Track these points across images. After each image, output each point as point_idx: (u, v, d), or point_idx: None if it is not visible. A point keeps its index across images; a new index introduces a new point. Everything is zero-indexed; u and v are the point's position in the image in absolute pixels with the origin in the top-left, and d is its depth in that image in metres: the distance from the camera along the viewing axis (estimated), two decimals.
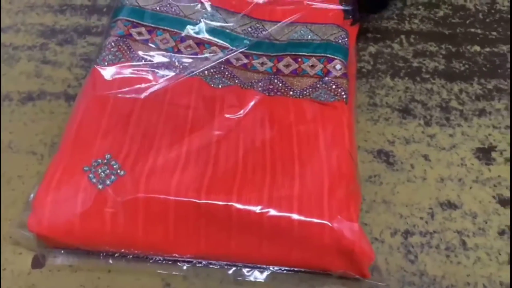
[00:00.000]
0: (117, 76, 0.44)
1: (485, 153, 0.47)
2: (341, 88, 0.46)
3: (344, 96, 0.46)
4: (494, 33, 0.58)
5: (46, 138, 0.47)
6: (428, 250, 0.41)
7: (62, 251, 0.38)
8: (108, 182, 0.37)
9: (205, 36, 0.50)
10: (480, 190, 0.45)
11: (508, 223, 0.43)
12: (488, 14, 0.60)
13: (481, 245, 0.41)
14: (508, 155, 0.47)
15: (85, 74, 0.52)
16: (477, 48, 0.57)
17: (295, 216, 0.37)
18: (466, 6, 0.61)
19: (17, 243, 0.39)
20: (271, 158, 0.40)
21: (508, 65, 0.55)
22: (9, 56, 0.53)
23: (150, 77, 0.45)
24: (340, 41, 0.50)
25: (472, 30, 0.58)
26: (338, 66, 0.48)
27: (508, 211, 0.43)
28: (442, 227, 0.42)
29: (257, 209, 0.37)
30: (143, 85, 0.43)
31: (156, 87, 0.43)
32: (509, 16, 0.60)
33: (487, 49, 0.56)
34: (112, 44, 0.46)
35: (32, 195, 0.38)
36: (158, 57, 0.46)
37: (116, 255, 0.38)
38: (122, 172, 0.37)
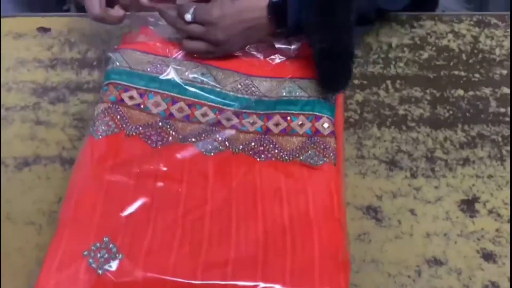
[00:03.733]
0: (111, 148, 0.45)
1: (469, 205, 0.49)
2: (330, 149, 0.47)
3: (333, 157, 0.47)
4: (477, 75, 0.60)
5: (44, 207, 0.48)
6: None
7: None
8: (107, 266, 0.38)
9: (196, 96, 0.51)
10: (464, 244, 0.47)
11: (491, 279, 0.45)
12: (471, 54, 0.62)
13: None
14: (491, 206, 0.49)
15: (79, 135, 0.53)
16: (461, 92, 0.58)
17: None
18: (450, 46, 0.62)
19: None
20: (264, 231, 0.42)
21: (491, 110, 0.57)
22: (3, 118, 0.54)
23: (143, 146, 0.46)
24: (327, 97, 0.51)
25: (456, 72, 0.60)
26: (325, 125, 0.49)
27: (491, 265, 0.46)
28: (429, 285, 0.44)
29: (252, 285, 0.39)
30: (137, 157, 0.44)
31: (148, 161, 0.44)
32: (490, 56, 0.62)
33: (470, 93, 0.58)
34: (105, 113, 0.47)
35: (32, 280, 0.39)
36: (151, 125, 0.47)
37: None
38: (120, 256, 0.39)
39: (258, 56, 0.55)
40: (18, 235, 0.46)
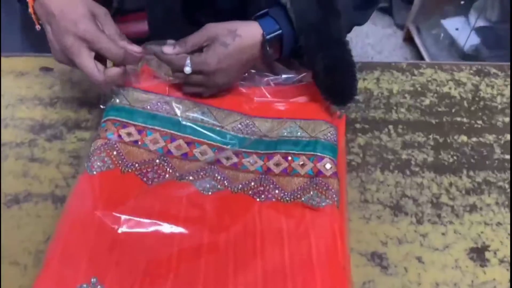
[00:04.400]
0: (105, 185, 0.43)
1: (478, 253, 0.47)
2: (332, 190, 0.46)
3: (336, 199, 0.45)
4: (480, 122, 0.59)
5: (31, 246, 0.45)
6: None
7: None
8: None
9: (196, 134, 0.50)
10: None
11: None
12: (472, 102, 0.62)
13: None
14: (502, 256, 0.47)
15: (73, 172, 0.51)
16: (464, 138, 0.57)
17: None
18: (451, 93, 0.62)
19: None
20: (263, 275, 0.39)
21: (495, 156, 0.56)
22: None
23: (139, 183, 0.44)
24: (329, 138, 0.50)
25: (458, 119, 0.60)
26: (328, 166, 0.48)
27: None
28: None
29: None
30: (131, 195, 0.43)
31: (143, 199, 0.42)
32: (492, 103, 0.62)
33: (474, 139, 0.57)
34: (102, 148, 0.46)
35: None
36: (148, 162, 0.46)
37: None
38: None
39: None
40: (1, 276, 0.43)
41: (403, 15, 1.85)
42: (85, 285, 0.37)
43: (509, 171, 0.54)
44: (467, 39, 1.52)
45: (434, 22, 1.70)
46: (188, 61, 0.48)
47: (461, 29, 1.60)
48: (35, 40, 0.74)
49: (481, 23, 1.56)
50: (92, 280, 0.37)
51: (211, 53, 0.48)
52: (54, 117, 0.57)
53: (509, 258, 0.47)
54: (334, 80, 0.50)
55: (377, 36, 1.84)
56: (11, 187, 0.50)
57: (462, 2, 1.65)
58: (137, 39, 0.50)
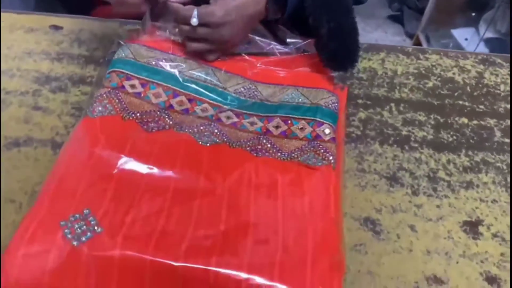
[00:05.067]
0: (105, 128, 0.44)
1: (472, 227, 0.47)
2: (329, 153, 0.46)
3: (332, 161, 0.45)
4: (482, 106, 0.59)
5: (27, 186, 0.46)
6: None
7: None
8: (83, 238, 0.36)
9: (198, 92, 0.50)
10: (467, 265, 0.44)
11: None
12: (475, 88, 0.62)
13: None
14: (495, 231, 0.47)
15: (75, 123, 0.52)
16: (465, 120, 0.57)
17: (275, 286, 0.36)
18: (455, 78, 0.63)
19: None
20: (255, 223, 0.39)
21: (495, 139, 0.56)
22: (2, 101, 0.53)
23: (138, 130, 0.44)
24: (330, 105, 0.51)
25: (460, 102, 0.60)
26: (327, 131, 0.48)
27: None
28: None
29: (237, 275, 0.35)
30: (130, 138, 0.43)
31: (142, 142, 0.42)
32: (495, 90, 0.62)
33: (475, 122, 0.57)
34: (104, 95, 0.47)
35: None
36: (149, 113, 0.46)
37: None
38: (99, 229, 0.36)
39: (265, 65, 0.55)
40: None
41: (414, 24, 1.86)
42: (77, 215, 0.37)
43: (508, 154, 0.54)
44: (476, 49, 1.53)
45: (444, 32, 1.71)
46: (195, 12, 0.48)
47: (470, 40, 1.60)
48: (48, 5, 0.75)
49: (490, 34, 1.57)
50: (84, 211, 0.37)
51: (218, 4, 0.48)
52: (60, 71, 0.58)
53: (502, 234, 0.46)
54: (337, 45, 0.50)
55: (386, 43, 1.85)
56: (12, 131, 0.50)
57: (473, 14, 1.66)
58: None
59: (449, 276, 0.43)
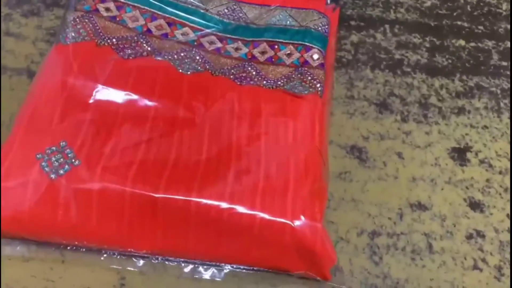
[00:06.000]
0: (79, 54, 0.41)
1: (460, 154, 0.46)
2: (317, 80, 0.44)
3: (319, 89, 0.44)
4: (481, 27, 0.56)
5: (5, 117, 0.44)
6: (393, 252, 0.40)
7: (12, 241, 0.36)
8: (61, 171, 0.35)
9: (178, 15, 0.47)
10: (451, 191, 0.44)
11: (476, 227, 0.42)
12: (476, 7, 0.58)
13: (448, 249, 0.41)
14: (483, 157, 0.46)
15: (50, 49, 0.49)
16: (462, 42, 0.55)
17: (256, 214, 0.36)
18: None
19: None
20: (237, 152, 0.38)
21: (492, 62, 0.53)
22: None
23: (114, 58, 0.42)
24: (319, 28, 0.48)
25: (459, 23, 0.56)
26: (315, 56, 0.46)
27: (477, 215, 0.43)
28: (410, 228, 0.41)
29: (218, 205, 0.35)
30: (106, 67, 0.41)
31: (118, 70, 0.40)
32: (497, 10, 0.58)
33: (472, 44, 0.55)
34: (77, 20, 0.44)
35: None
36: (125, 38, 0.44)
37: (69, 247, 0.36)
38: (77, 162, 0.36)
39: None
40: None
41: None
42: (54, 148, 0.36)
43: (503, 78, 0.52)
44: None
45: None
46: None
47: None
48: None
49: None
50: (61, 143, 0.36)
51: None
52: None
53: (490, 160, 0.46)
54: None
55: None
56: None
57: None
58: None
59: (433, 202, 0.43)
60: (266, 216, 0.35)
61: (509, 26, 0.56)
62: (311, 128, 0.40)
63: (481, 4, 0.58)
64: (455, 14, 0.57)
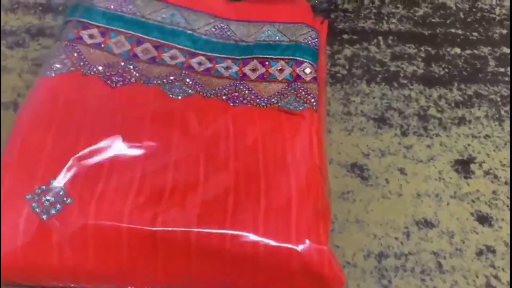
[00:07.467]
0: (65, 87, 0.40)
1: (463, 166, 0.45)
2: (311, 95, 0.43)
3: (314, 103, 0.42)
4: (475, 33, 0.55)
5: None
6: (402, 274, 0.39)
7: None
8: (53, 211, 0.33)
9: (164, 37, 0.46)
10: (457, 206, 0.42)
11: (486, 243, 0.40)
12: (469, 13, 0.57)
13: (458, 267, 0.39)
14: (487, 168, 0.45)
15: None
16: (458, 50, 0.54)
17: (260, 240, 0.34)
18: (447, 4, 0.58)
19: None
20: (235, 177, 0.37)
21: (489, 69, 0.52)
22: None
23: (102, 86, 0.41)
24: (309, 42, 0.47)
25: (453, 30, 0.56)
26: (307, 70, 0.44)
27: (486, 229, 0.41)
28: (418, 248, 0.40)
29: (220, 233, 0.34)
30: (93, 98, 0.39)
31: (106, 101, 0.39)
32: (490, 15, 0.57)
33: (468, 51, 0.54)
34: (61, 50, 0.42)
35: None
36: (111, 65, 0.42)
37: None
38: (68, 200, 0.34)
39: None
40: None
41: None
42: (44, 187, 0.34)
43: (502, 84, 0.51)
44: None
45: None
46: None
47: None
48: None
49: None
50: (51, 181, 0.34)
51: None
52: (15, 24, 0.52)
53: (494, 171, 0.45)
54: None
55: None
56: None
57: None
58: None
59: (439, 218, 0.42)
60: (271, 243, 0.34)
61: (504, 31, 0.56)
62: (309, 144, 0.39)
63: (474, 10, 0.58)
64: (448, 21, 0.56)
